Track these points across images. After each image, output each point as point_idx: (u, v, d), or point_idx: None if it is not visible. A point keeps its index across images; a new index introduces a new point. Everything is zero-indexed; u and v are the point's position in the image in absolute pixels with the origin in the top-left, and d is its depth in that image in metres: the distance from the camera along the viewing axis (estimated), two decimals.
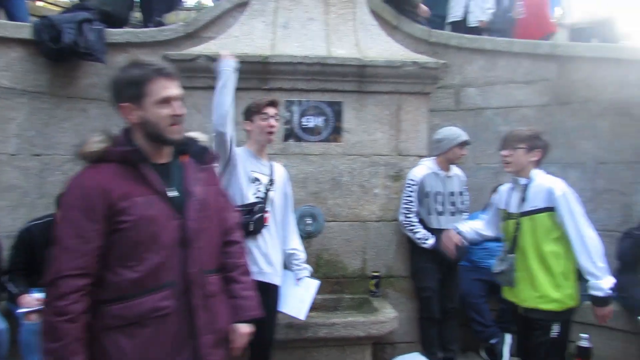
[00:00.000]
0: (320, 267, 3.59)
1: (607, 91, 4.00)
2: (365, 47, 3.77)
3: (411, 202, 3.47)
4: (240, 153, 2.74)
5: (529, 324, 2.61)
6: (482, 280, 3.76)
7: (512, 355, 2.90)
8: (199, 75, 3.47)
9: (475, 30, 5.62)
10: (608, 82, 3.99)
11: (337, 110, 3.64)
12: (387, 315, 3.17)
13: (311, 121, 3.63)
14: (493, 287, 3.43)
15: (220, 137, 2.59)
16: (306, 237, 3.52)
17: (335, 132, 3.65)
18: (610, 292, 2.45)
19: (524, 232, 2.61)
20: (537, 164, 2.68)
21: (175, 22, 5.09)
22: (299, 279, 2.89)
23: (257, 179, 2.73)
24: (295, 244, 2.94)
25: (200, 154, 1.86)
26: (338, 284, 3.62)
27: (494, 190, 3.33)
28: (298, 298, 2.86)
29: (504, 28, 5.78)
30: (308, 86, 3.61)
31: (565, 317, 2.56)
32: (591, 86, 4.07)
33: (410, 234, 3.49)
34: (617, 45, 4.22)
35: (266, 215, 2.70)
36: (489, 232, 3.04)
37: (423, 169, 3.50)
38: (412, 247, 3.60)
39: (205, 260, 1.76)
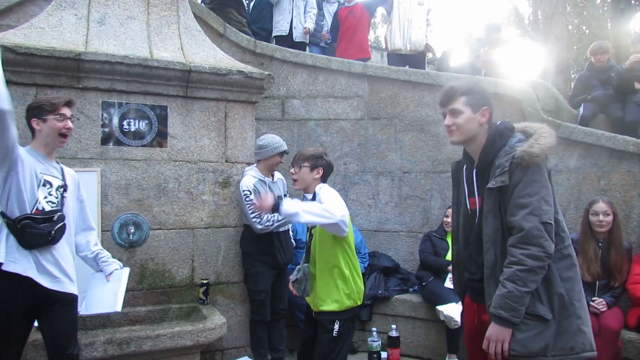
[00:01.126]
0: (146, 278, 3.40)
1: (408, 109, 4.62)
2: (191, 52, 3.71)
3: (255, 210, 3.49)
4: (25, 153, 2.39)
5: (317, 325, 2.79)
6: None
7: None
8: None
9: (301, 45, 5.95)
10: (409, 101, 4.62)
11: (161, 114, 3.50)
12: (216, 322, 3.13)
13: (133, 125, 3.42)
14: None
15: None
16: (129, 246, 3.31)
17: (160, 137, 3.50)
18: None
19: (314, 241, 2.81)
20: (322, 181, 2.84)
21: None
22: (109, 274, 2.71)
23: (48, 182, 2.45)
24: (96, 245, 2.77)
25: None
26: (165, 294, 3.46)
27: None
28: (111, 292, 2.67)
29: (326, 45, 6.24)
30: (129, 88, 3.40)
31: (345, 315, 2.74)
32: (396, 104, 4.66)
33: (277, 224, 3.49)
34: (415, 70, 4.84)
35: (65, 223, 2.47)
36: None
37: (251, 179, 3.56)
38: (245, 252, 3.64)
39: None
